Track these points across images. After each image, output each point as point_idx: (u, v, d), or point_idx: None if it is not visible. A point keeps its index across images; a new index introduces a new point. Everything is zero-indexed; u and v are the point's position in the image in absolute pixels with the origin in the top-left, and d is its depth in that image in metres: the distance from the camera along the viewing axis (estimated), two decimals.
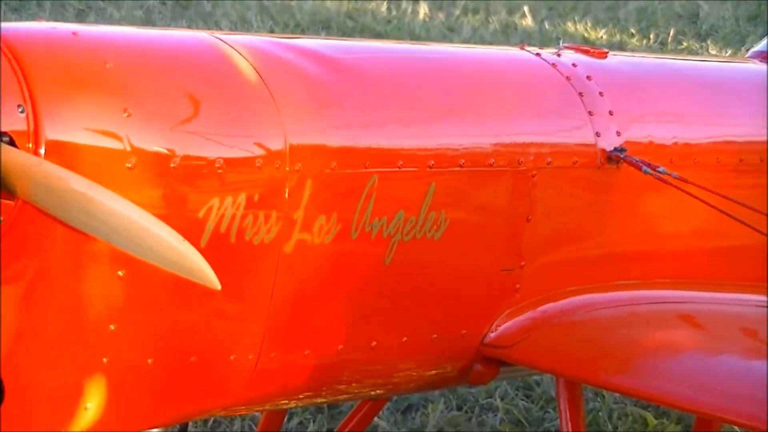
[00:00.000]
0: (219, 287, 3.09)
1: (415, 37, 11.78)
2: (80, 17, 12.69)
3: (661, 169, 4.22)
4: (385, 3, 12.75)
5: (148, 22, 12.55)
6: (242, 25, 12.35)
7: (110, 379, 3.38)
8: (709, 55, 11.14)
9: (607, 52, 4.57)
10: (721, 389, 3.83)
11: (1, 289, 3.31)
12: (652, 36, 11.91)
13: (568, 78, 4.31)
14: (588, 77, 4.35)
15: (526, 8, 12.43)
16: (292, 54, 3.80)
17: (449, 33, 11.98)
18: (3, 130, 3.15)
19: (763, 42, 5.55)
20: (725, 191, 4.38)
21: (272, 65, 3.68)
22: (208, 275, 3.09)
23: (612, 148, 4.24)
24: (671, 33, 11.90)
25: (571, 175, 4.19)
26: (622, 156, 4.23)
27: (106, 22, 12.18)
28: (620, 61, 4.72)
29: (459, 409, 6.61)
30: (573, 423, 4.12)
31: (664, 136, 4.47)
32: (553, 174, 4.13)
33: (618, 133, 4.29)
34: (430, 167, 3.84)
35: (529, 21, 12.21)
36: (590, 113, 4.26)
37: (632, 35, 11.94)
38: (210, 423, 6.32)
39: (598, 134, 4.24)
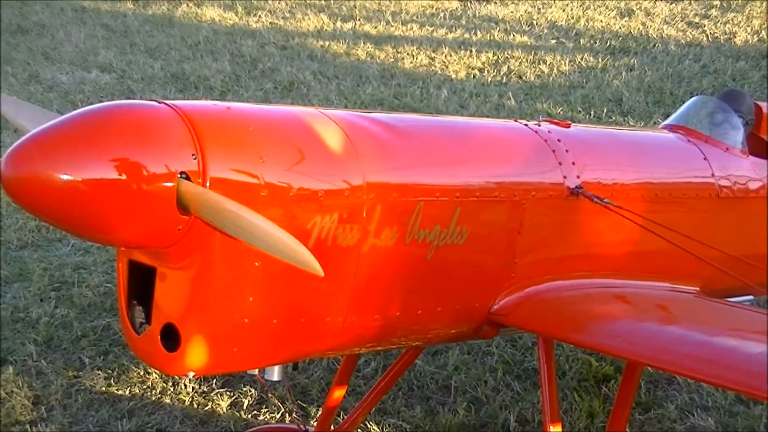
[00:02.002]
0: (322, 274, 3.06)
1: (439, 111, 11.74)
2: (222, 96, 12.69)
3: (605, 200, 4.19)
4: (418, 89, 12.69)
5: (265, 100, 12.54)
6: (326, 102, 12.31)
7: (249, 332, 3.38)
8: (630, 126, 11.06)
9: (570, 124, 4.53)
10: (646, 345, 3.80)
11: (178, 274, 3.34)
12: (591, 113, 11.82)
13: (545, 140, 4.28)
14: (558, 140, 4.31)
15: (510, 93, 12.36)
16: (367, 122, 3.79)
17: (460, 109, 11.94)
18: (182, 170, 3.17)
19: (670, 118, 5.51)
20: (646, 215, 4.37)
21: (354, 129, 3.67)
22: (314, 266, 3.06)
23: (574, 186, 4.20)
24: (604, 111, 11.80)
25: (547, 204, 4.15)
26: (580, 191, 4.19)
27: (238, 100, 12.19)
28: (579, 130, 4.67)
29: (469, 353, 6.55)
30: (547, 365, 4.10)
31: (607, 179, 4.42)
32: (535, 203, 4.09)
33: (578, 177, 4.24)
34: (457, 197, 3.81)
35: (512, 102, 12.14)
36: (560, 163, 4.22)
37: (579, 112, 11.85)
38: (307, 362, 6.29)
39: (564, 177, 4.20)
